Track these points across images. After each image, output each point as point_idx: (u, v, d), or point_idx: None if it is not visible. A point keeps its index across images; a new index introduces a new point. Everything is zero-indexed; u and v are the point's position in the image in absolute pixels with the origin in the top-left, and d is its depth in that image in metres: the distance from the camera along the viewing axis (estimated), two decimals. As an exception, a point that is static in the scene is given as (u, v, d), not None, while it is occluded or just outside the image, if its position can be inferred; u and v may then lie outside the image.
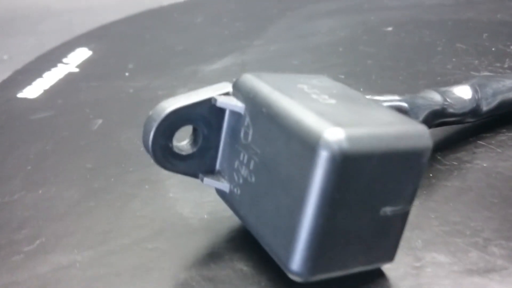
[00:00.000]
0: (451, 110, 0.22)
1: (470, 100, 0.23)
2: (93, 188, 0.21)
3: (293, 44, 0.37)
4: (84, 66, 0.36)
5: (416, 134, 0.14)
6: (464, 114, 0.22)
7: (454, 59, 0.33)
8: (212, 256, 0.17)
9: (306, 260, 0.14)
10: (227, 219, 0.19)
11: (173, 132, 0.16)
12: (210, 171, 0.18)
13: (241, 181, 0.16)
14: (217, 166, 0.18)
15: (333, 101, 0.15)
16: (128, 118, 0.28)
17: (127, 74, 0.34)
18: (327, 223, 0.14)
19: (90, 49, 0.40)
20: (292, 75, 0.18)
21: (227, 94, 0.17)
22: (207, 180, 0.17)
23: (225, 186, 0.17)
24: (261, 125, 0.15)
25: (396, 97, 0.21)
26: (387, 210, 0.15)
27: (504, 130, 0.24)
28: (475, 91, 0.23)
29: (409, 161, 0.14)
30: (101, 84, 0.33)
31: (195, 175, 0.18)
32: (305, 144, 0.14)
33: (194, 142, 0.17)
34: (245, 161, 0.16)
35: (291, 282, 0.15)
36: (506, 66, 0.32)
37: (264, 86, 0.16)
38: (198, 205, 0.20)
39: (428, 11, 0.44)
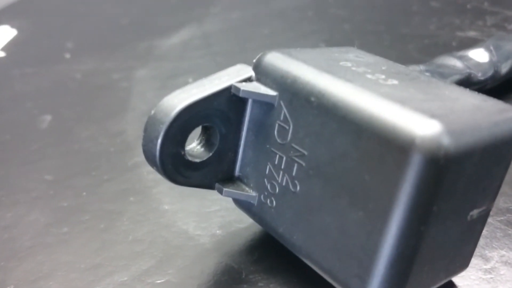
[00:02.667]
0: (475, 77, 0.19)
1: (488, 63, 0.20)
2: (62, 208, 0.17)
3: (256, 10, 0.33)
4: (11, 48, 0.30)
5: (508, 117, 0.11)
6: (486, 80, 0.20)
7: (433, 19, 0.31)
8: (239, 283, 0.14)
9: (390, 287, 0.11)
10: (245, 231, 0.16)
11: (186, 135, 0.12)
12: (229, 179, 0.14)
13: (277, 190, 0.13)
14: (237, 172, 0.14)
15: (395, 82, 0.12)
16: (83, 110, 0.23)
17: (67, 55, 0.29)
18: (418, 242, 0.11)
19: (13, 26, 0.33)
20: (322, 49, 0.14)
21: (248, 80, 0.13)
22: (228, 191, 0.14)
23: (251, 197, 0.13)
24: (308, 119, 0.12)
25: (419, 67, 0.18)
26: (474, 213, 0.12)
27: (517, 95, 0.22)
28: (491, 54, 0.21)
29: (501, 151, 0.11)
30: (38, 70, 0.27)
31: (211, 186, 0.14)
32: (390, 144, 0.10)
33: (208, 144, 0.13)
34: (283, 165, 0.13)
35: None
36: (489, 24, 0.30)
37: (304, 67, 0.12)
38: (204, 217, 0.16)
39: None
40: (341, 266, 0.12)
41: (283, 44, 0.28)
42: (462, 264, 0.13)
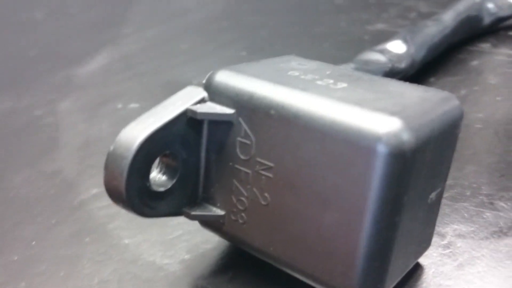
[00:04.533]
0: (397, 67, 0.21)
1: (406, 53, 0.22)
2: (13, 262, 0.16)
3: (170, 25, 0.33)
4: None
5: (451, 104, 0.12)
6: (406, 68, 0.21)
7: (342, 16, 0.33)
8: (221, 306, 0.14)
9: (374, 279, 0.12)
10: (214, 251, 0.15)
11: (150, 166, 0.12)
12: (194, 202, 0.14)
13: (247, 205, 0.13)
14: (201, 194, 0.14)
15: (344, 85, 0.13)
16: (10, 154, 0.21)
17: (-24, 96, 0.27)
18: (393, 232, 0.11)
19: None
20: (265, 61, 0.15)
21: (202, 101, 0.13)
22: (197, 214, 0.13)
23: (220, 216, 0.13)
24: (270, 132, 0.12)
25: (349, 66, 0.19)
26: (433, 195, 0.13)
27: (433, 79, 0.24)
28: (407, 44, 0.22)
29: (450, 136, 0.12)
30: None
31: (177, 213, 0.13)
32: (356, 145, 0.11)
33: (170, 171, 0.13)
34: (250, 180, 0.13)
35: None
36: (393, 15, 0.32)
37: (257, 82, 0.12)
38: (169, 245, 0.16)
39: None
40: (323, 268, 0.12)
41: (206, 57, 0.28)
42: (426, 244, 0.14)
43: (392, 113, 0.11)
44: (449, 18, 0.25)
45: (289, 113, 0.12)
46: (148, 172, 0.12)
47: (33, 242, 0.16)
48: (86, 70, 0.28)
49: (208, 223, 0.14)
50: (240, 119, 0.12)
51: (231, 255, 0.15)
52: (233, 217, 0.13)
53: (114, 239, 0.16)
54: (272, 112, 0.12)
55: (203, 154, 0.13)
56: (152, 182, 0.12)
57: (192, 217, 0.13)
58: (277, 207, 0.12)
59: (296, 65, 0.14)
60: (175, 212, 0.13)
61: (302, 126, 0.11)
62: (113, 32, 0.33)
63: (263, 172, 0.12)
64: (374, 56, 0.20)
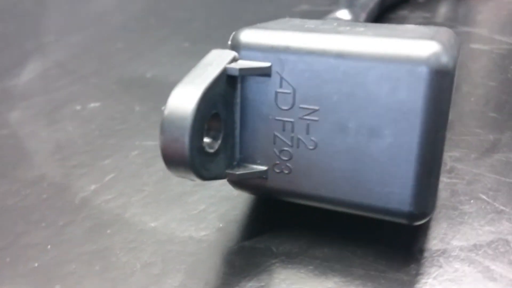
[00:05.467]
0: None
1: (354, 20, 0.24)
2: (33, 269, 0.14)
3: (95, 29, 0.32)
4: None
5: (453, 35, 0.14)
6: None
7: (266, 2, 0.34)
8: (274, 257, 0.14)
9: (425, 198, 0.13)
10: (245, 215, 0.16)
11: (203, 127, 0.12)
12: (232, 164, 0.14)
13: (292, 155, 0.13)
14: (238, 155, 0.14)
15: (362, 29, 0.14)
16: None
17: None
18: (439, 147, 0.12)
19: None
20: (272, 22, 0.15)
21: (234, 60, 0.13)
22: (242, 173, 0.14)
23: (263, 172, 0.14)
24: (311, 78, 0.13)
25: (346, 11, 0.21)
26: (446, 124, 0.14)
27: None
28: (351, 11, 0.24)
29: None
30: None
31: (222, 176, 0.14)
32: (404, 68, 0.12)
33: (214, 131, 0.13)
34: (294, 129, 0.13)
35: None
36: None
37: (288, 34, 0.13)
38: (198, 218, 0.16)
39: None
40: (378, 195, 0.13)
41: (150, 51, 0.28)
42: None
43: (430, 39, 0.12)
44: (376, -12, 0.27)
45: (331, 55, 0.12)
46: (203, 133, 0.12)
47: (48, 247, 0.15)
48: (22, 80, 0.26)
49: (248, 184, 0.14)
50: (277, 71, 0.13)
51: (263, 215, 0.16)
52: (276, 170, 0.14)
53: (138, 225, 0.16)
54: (312, 58, 0.13)
55: (238, 114, 0.14)
56: (206, 143, 0.12)
57: (237, 177, 0.14)
58: (326, 148, 0.13)
59: (303, 22, 0.15)
60: (221, 174, 0.13)
61: (347, 64, 0.12)
62: (33, 43, 0.31)
63: (307, 117, 0.13)
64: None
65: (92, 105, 0.23)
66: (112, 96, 0.24)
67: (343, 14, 0.23)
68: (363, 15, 0.25)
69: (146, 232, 0.15)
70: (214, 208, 0.16)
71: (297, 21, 0.15)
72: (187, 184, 0.17)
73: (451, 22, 0.29)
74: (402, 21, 0.29)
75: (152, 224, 0.16)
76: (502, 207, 0.15)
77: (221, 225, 0.15)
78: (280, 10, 0.32)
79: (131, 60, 0.27)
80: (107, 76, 0.25)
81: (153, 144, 0.20)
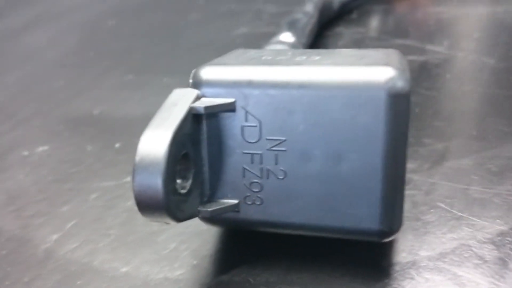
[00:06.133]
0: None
1: (297, 42, 0.24)
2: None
3: (28, 67, 0.31)
4: None
5: (402, 56, 0.15)
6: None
7: (204, 27, 0.34)
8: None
9: (393, 215, 0.13)
10: (218, 250, 0.16)
11: (175, 169, 0.12)
12: (203, 202, 0.14)
13: (263, 186, 0.14)
14: (207, 191, 0.14)
15: (318, 57, 0.14)
16: None
17: None
18: (403, 165, 0.13)
19: None
20: (227, 55, 0.15)
21: (197, 99, 0.13)
22: (214, 210, 0.14)
23: (235, 205, 0.14)
24: (277, 110, 0.13)
25: (289, 34, 0.21)
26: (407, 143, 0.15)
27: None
28: (294, 33, 0.25)
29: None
30: None
31: (195, 214, 0.13)
32: (362, 95, 0.12)
33: (184, 172, 0.13)
34: (262, 161, 0.13)
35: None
36: (249, 19, 0.35)
37: (248, 68, 0.13)
38: (171, 258, 0.15)
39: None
40: (350, 217, 0.13)
41: (93, 86, 0.27)
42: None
43: (385, 64, 0.13)
44: (311, 8, 0.28)
45: (294, 87, 0.13)
46: (175, 175, 0.12)
47: (18, 307, 0.14)
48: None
49: (220, 219, 0.14)
50: (242, 106, 0.13)
51: (236, 247, 0.16)
52: (248, 202, 0.14)
53: (109, 272, 0.15)
54: (276, 91, 0.13)
55: (205, 151, 0.14)
56: (178, 184, 0.12)
57: (210, 213, 0.14)
58: (295, 176, 0.13)
59: (258, 53, 0.15)
60: (194, 213, 0.13)
61: (310, 95, 0.13)
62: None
63: (275, 148, 0.13)
64: (277, 46, 0.22)
65: (40, 149, 0.22)
66: (59, 138, 0.23)
67: (286, 37, 0.24)
68: (305, 36, 0.25)
69: (119, 279, 0.15)
70: (186, 245, 0.16)
71: (252, 53, 0.15)
72: (153, 224, 0.17)
73: (385, 35, 0.31)
74: (339, 37, 0.30)
75: (124, 269, 0.15)
76: (460, 214, 0.16)
77: (195, 262, 0.15)
78: (219, 34, 0.33)
79: (74, 98, 0.26)
80: (51, 117, 0.25)
81: (112, 185, 0.19)
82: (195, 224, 0.16)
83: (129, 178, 0.19)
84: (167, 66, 0.29)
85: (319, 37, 0.30)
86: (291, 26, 0.25)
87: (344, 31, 0.31)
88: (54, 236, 0.17)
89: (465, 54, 0.27)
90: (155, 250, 0.16)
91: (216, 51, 0.29)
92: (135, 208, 0.17)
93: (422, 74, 0.25)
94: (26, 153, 0.22)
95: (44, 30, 0.36)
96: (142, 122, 0.24)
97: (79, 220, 0.17)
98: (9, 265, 0.16)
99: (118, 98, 0.26)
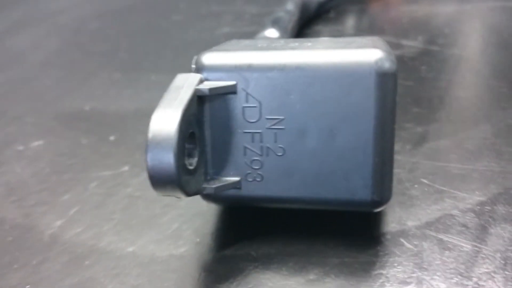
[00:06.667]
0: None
1: (281, 37, 0.25)
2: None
3: (18, 68, 0.31)
4: None
5: (385, 42, 0.16)
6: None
7: (189, 28, 0.35)
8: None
9: (385, 186, 0.14)
10: (218, 228, 0.16)
11: (184, 146, 0.13)
12: (209, 179, 0.15)
13: (263, 163, 0.15)
14: (210, 169, 0.15)
15: (310, 44, 0.15)
16: None
17: None
18: (392, 138, 0.14)
19: None
20: (224, 44, 0.16)
21: (200, 82, 0.14)
22: (218, 186, 0.14)
23: (237, 182, 0.15)
24: (275, 91, 0.14)
25: (273, 30, 0.22)
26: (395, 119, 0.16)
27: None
28: (278, 30, 0.26)
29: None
30: None
31: (200, 191, 0.14)
32: (357, 73, 0.13)
33: (190, 149, 0.14)
34: (262, 139, 0.14)
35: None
36: (231, 19, 0.36)
37: (248, 53, 0.14)
38: (175, 237, 0.16)
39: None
40: (346, 189, 0.14)
41: (83, 85, 0.28)
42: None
43: (373, 47, 0.14)
44: (292, 7, 0.29)
45: (291, 69, 0.14)
46: (184, 151, 0.13)
47: (27, 287, 0.15)
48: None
49: (222, 197, 0.15)
50: (242, 88, 0.14)
51: (236, 225, 0.16)
52: (249, 179, 0.15)
53: (116, 252, 0.16)
54: (274, 73, 0.14)
55: (208, 132, 0.15)
56: (187, 161, 0.13)
57: (214, 190, 0.14)
58: (293, 153, 0.14)
59: (253, 42, 0.16)
60: (199, 189, 0.14)
61: (306, 75, 0.14)
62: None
63: (274, 127, 0.14)
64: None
65: (36, 143, 0.22)
66: (54, 133, 0.23)
67: (271, 33, 0.25)
68: (287, 33, 0.27)
69: (126, 257, 0.16)
70: (188, 225, 0.17)
71: (247, 42, 0.16)
72: (155, 207, 0.18)
73: (362, 32, 0.32)
74: (318, 35, 0.32)
75: (130, 249, 0.16)
76: (442, 188, 0.17)
77: (198, 239, 0.16)
78: (203, 34, 0.34)
79: (64, 96, 0.27)
80: (43, 114, 0.25)
81: (111, 174, 0.20)
82: (196, 205, 0.17)
83: (126, 167, 0.20)
84: (153, 64, 0.30)
85: (299, 35, 0.31)
86: (275, 23, 0.26)
87: (322, 29, 0.33)
88: (58, 222, 0.17)
89: (438, 48, 0.28)
90: (159, 231, 0.16)
91: (201, 49, 0.30)
92: (136, 194, 0.18)
93: (399, 66, 0.26)
94: (21, 147, 0.22)
95: (28, 33, 0.36)
96: (135, 116, 0.25)
97: (81, 207, 0.18)
98: (17, 250, 0.16)
99: (108, 95, 0.27)
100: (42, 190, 0.19)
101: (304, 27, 0.32)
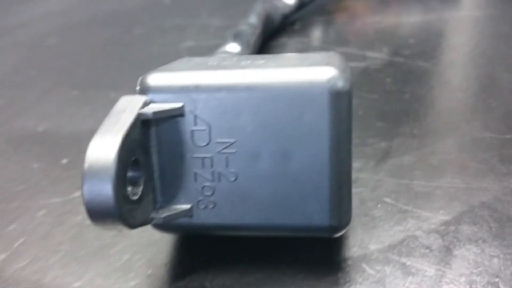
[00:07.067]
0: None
1: (242, 52, 0.25)
2: None
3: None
4: None
5: (341, 58, 0.15)
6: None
7: (151, 42, 0.34)
8: None
9: (343, 210, 0.14)
10: (172, 258, 0.15)
11: (125, 175, 0.12)
12: (155, 209, 0.14)
13: (215, 189, 0.14)
14: (159, 197, 0.14)
15: (262, 61, 0.15)
16: None
17: None
18: (349, 159, 0.14)
19: None
20: (173, 64, 0.16)
21: (145, 105, 0.13)
22: (167, 216, 0.14)
23: (187, 210, 0.14)
24: (225, 113, 0.13)
25: (235, 44, 0.22)
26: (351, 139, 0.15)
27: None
28: (240, 44, 0.25)
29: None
30: None
31: (147, 221, 0.13)
32: (307, 94, 0.13)
33: (134, 178, 0.13)
34: (212, 164, 0.14)
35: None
36: (195, 32, 0.35)
37: (195, 73, 0.13)
38: (125, 269, 0.15)
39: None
40: (302, 215, 0.14)
41: (38, 104, 0.27)
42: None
43: (326, 64, 0.13)
44: (255, 20, 0.29)
45: (240, 89, 0.13)
46: (125, 181, 0.12)
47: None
48: None
49: (173, 225, 0.14)
50: (190, 110, 0.13)
51: (190, 254, 0.16)
52: (201, 206, 0.14)
53: (61, 288, 0.15)
54: (223, 94, 0.13)
55: (155, 157, 0.14)
56: (129, 190, 0.12)
57: (163, 220, 0.14)
58: (246, 177, 0.14)
59: (204, 60, 0.16)
60: (146, 220, 0.13)
61: (256, 96, 0.13)
62: None
63: (225, 151, 0.13)
64: (223, 56, 0.23)
65: (-15, 167, 0.21)
66: (3, 156, 0.22)
67: (232, 47, 0.24)
68: (250, 47, 0.26)
69: (72, 295, 0.15)
70: (139, 256, 0.16)
71: (199, 60, 0.16)
72: (105, 236, 0.16)
73: (327, 44, 0.32)
74: (283, 48, 0.31)
75: (76, 284, 0.15)
76: (405, 207, 0.17)
77: (150, 271, 0.15)
78: (166, 48, 0.33)
79: (17, 116, 0.25)
80: (-5, 136, 0.24)
81: (60, 201, 0.19)
82: (148, 234, 0.16)
83: (77, 193, 0.19)
84: (113, 81, 0.29)
85: (264, 47, 0.30)
86: (237, 37, 0.26)
87: (288, 41, 0.32)
88: (1, 256, 0.16)
89: (403, 60, 0.28)
90: (108, 263, 0.15)
91: (162, 64, 0.30)
92: (85, 222, 0.17)
93: (364, 79, 0.26)
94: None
95: (-19, 50, 0.35)
96: (90, 137, 0.23)
97: (27, 237, 0.17)
98: (-47, 288, 0.15)
99: (63, 114, 0.25)
100: (-14, 220, 0.18)
101: (269, 39, 0.32)
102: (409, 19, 0.35)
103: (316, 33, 0.34)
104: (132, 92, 0.14)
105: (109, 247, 0.16)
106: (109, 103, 0.26)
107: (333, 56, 0.15)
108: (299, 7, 0.35)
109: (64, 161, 0.21)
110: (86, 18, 0.41)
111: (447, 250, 0.15)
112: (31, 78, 0.30)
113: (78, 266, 0.15)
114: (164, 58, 0.31)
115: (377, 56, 0.29)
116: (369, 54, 0.29)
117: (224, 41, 0.25)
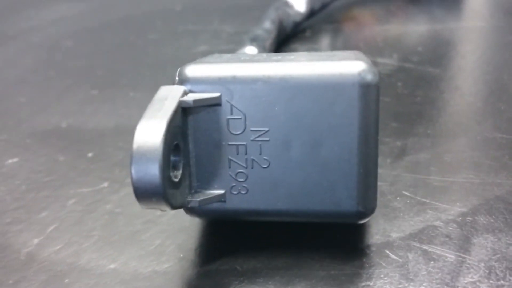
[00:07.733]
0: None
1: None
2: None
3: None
4: None
5: (364, 56, 0.16)
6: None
7: (165, 47, 0.35)
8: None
9: (370, 196, 0.14)
10: (201, 243, 0.16)
11: (170, 158, 0.13)
12: (193, 193, 0.15)
13: (248, 175, 0.14)
14: (194, 182, 0.15)
15: (292, 57, 0.15)
16: None
17: None
18: (375, 149, 0.14)
19: None
20: (207, 57, 0.16)
21: (184, 94, 0.14)
22: (203, 200, 0.14)
23: (221, 195, 0.15)
24: (260, 103, 0.14)
25: (252, 47, 0.22)
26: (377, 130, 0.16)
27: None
28: (258, 47, 0.26)
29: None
30: None
31: (185, 204, 0.14)
32: (340, 86, 0.14)
33: (175, 161, 0.14)
34: (246, 151, 0.14)
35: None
36: (208, 37, 0.36)
37: (232, 65, 0.14)
38: (157, 253, 0.16)
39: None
40: (331, 201, 0.14)
41: (59, 101, 0.27)
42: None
43: (356, 59, 0.14)
44: (269, 25, 0.30)
45: (275, 80, 0.14)
46: (169, 163, 0.13)
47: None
48: None
49: (206, 210, 0.15)
50: (227, 100, 0.14)
51: (219, 240, 0.16)
52: (234, 192, 0.15)
53: (97, 269, 0.15)
54: (258, 85, 0.14)
55: (192, 144, 0.14)
56: (172, 173, 0.13)
57: (199, 203, 0.14)
58: (278, 164, 0.14)
59: (235, 56, 0.16)
60: (184, 202, 0.14)
61: (289, 87, 0.14)
62: None
63: (259, 139, 0.14)
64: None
65: (10, 161, 0.22)
66: (29, 150, 0.23)
67: (251, 50, 0.25)
68: (266, 50, 0.27)
69: (107, 275, 0.15)
70: (171, 241, 0.16)
71: (229, 56, 0.16)
72: (136, 223, 0.17)
73: (337, 50, 0.33)
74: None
75: (112, 266, 0.15)
76: (423, 199, 0.17)
77: (181, 255, 0.16)
78: (180, 52, 0.34)
79: (39, 113, 0.26)
80: (17, 131, 0.25)
81: (89, 191, 0.19)
82: (178, 221, 0.17)
83: (106, 184, 0.20)
84: (131, 82, 0.29)
85: (277, 52, 0.31)
86: (254, 41, 0.26)
87: (299, 47, 0.33)
88: (35, 240, 0.17)
89: (413, 66, 0.29)
90: (141, 247, 0.16)
91: (178, 66, 0.30)
92: (116, 210, 0.18)
93: (376, 83, 0.27)
94: (-5, 165, 0.22)
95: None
96: (114, 133, 0.24)
97: (59, 224, 0.18)
98: (-9, 270, 0.16)
99: (85, 111, 0.26)
100: (18, 208, 0.19)
101: (281, 45, 0.33)
102: (416, 28, 0.36)
103: (326, 40, 0.35)
104: (151, 92, 0.14)
105: (141, 233, 0.17)
106: (129, 102, 0.27)
107: (358, 53, 0.16)
108: (309, 15, 0.36)
109: (90, 154, 0.22)
110: (100, 23, 0.41)
111: (466, 239, 0.15)
112: (50, 77, 0.31)
113: (112, 250, 0.16)
114: (180, 61, 0.31)
115: (387, 62, 0.30)
116: (379, 60, 0.30)
117: (241, 44, 0.26)
